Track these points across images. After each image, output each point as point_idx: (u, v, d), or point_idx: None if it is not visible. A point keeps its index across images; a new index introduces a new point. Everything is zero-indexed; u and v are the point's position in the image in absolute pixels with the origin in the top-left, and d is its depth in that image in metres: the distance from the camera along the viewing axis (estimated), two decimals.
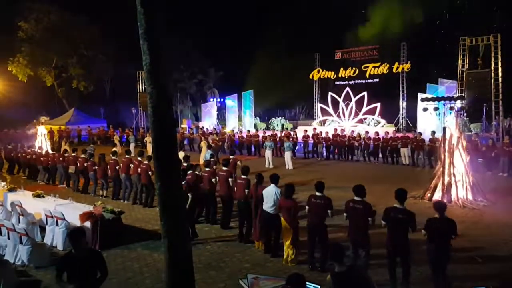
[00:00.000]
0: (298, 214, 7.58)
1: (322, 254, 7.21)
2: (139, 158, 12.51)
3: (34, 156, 16.97)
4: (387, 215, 6.39)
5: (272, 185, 7.91)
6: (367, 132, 22.09)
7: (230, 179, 9.95)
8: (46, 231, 9.05)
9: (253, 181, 8.74)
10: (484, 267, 7.30)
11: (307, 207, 7.40)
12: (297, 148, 22.44)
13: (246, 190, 8.82)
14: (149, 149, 19.95)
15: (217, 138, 23.73)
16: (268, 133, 24.83)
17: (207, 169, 10.38)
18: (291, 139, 20.84)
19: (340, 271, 4.38)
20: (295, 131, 25.20)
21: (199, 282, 6.46)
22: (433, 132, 18.29)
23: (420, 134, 19.32)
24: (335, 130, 22.88)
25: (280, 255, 7.76)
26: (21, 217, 9.26)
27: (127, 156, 13.17)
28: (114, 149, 16.54)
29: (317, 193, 7.30)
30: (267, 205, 7.88)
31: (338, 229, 8.84)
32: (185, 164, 10.90)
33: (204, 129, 28.78)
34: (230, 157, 12.88)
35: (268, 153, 19.02)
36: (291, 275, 4.14)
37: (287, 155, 18.76)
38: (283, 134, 23.49)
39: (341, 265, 4.40)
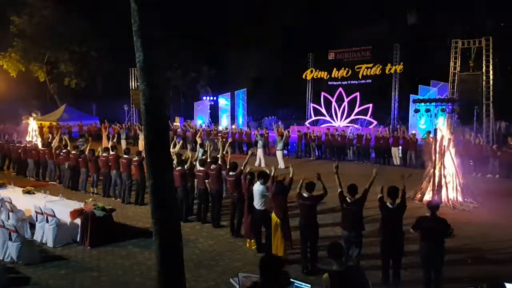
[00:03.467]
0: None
1: (311, 255, 7.18)
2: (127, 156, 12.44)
3: (24, 151, 16.75)
4: (381, 209, 6.51)
5: (258, 182, 8.05)
6: (360, 130, 22.15)
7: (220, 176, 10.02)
8: (36, 228, 8.98)
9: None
10: (473, 268, 7.38)
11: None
12: (289, 147, 22.48)
13: (237, 185, 8.93)
14: (140, 145, 19.88)
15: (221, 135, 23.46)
16: (261, 131, 24.75)
17: (201, 168, 10.35)
18: (283, 138, 20.80)
19: (339, 270, 4.30)
20: (288, 131, 25.19)
21: (190, 281, 6.45)
22: (429, 132, 18.41)
23: (414, 134, 19.40)
24: (328, 129, 22.95)
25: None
26: (10, 214, 9.15)
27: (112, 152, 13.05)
28: (107, 145, 16.40)
29: (305, 194, 7.21)
30: (255, 202, 8.04)
31: (330, 228, 8.89)
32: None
33: (199, 127, 28.55)
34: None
35: (259, 152, 18.98)
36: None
37: (279, 154, 18.73)
38: (275, 133, 23.43)
39: (340, 264, 4.36)
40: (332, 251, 4.43)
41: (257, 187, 8.04)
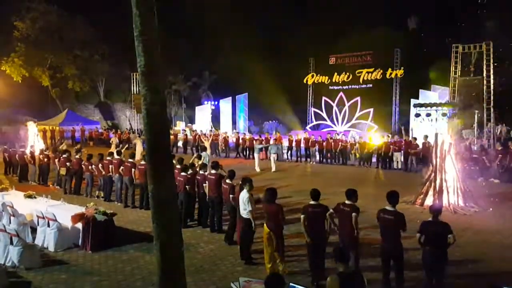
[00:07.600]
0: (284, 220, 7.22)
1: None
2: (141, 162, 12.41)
3: (27, 155, 16.74)
4: (378, 216, 6.44)
5: (244, 189, 7.86)
6: (361, 138, 22.18)
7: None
8: (37, 232, 8.98)
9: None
10: (473, 273, 7.36)
11: (302, 216, 6.89)
12: (290, 152, 22.59)
13: (230, 195, 8.73)
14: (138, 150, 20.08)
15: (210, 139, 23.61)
16: (263, 136, 24.76)
17: (201, 172, 10.33)
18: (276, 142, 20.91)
19: (346, 272, 4.45)
20: (281, 135, 25.09)
21: (191, 285, 6.46)
22: (426, 136, 18.42)
23: (415, 139, 19.37)
24: (328, 134, 22.93)
25: (255, 263, 7.75)
26: (12, 218, 9.16)
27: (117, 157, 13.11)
28: (110, 150, 16.52)
29: (312, 202, 6.94)
30: (241, 209, 7.90)
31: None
32: (178, 166, 10.84)
33: (199, 132, 28.56)
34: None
35: (256, 156, 19.01)
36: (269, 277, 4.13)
37: (273, 157, 18.89)
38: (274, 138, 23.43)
39: (346, 267, 4.49)
40: (338, 255, 4.55)
41: (241, 194, 7.88)
